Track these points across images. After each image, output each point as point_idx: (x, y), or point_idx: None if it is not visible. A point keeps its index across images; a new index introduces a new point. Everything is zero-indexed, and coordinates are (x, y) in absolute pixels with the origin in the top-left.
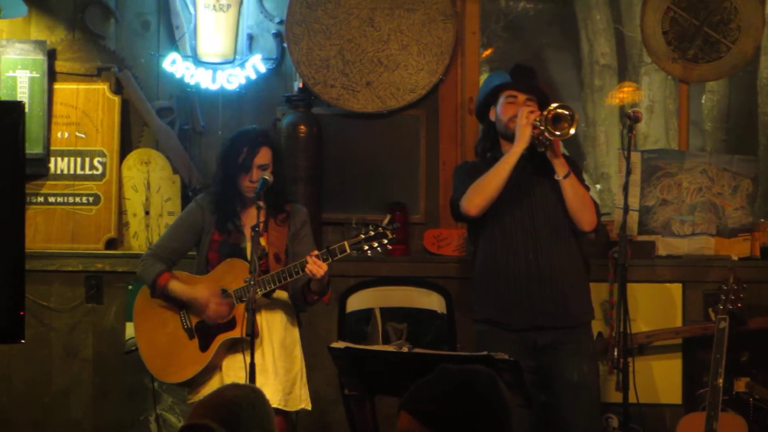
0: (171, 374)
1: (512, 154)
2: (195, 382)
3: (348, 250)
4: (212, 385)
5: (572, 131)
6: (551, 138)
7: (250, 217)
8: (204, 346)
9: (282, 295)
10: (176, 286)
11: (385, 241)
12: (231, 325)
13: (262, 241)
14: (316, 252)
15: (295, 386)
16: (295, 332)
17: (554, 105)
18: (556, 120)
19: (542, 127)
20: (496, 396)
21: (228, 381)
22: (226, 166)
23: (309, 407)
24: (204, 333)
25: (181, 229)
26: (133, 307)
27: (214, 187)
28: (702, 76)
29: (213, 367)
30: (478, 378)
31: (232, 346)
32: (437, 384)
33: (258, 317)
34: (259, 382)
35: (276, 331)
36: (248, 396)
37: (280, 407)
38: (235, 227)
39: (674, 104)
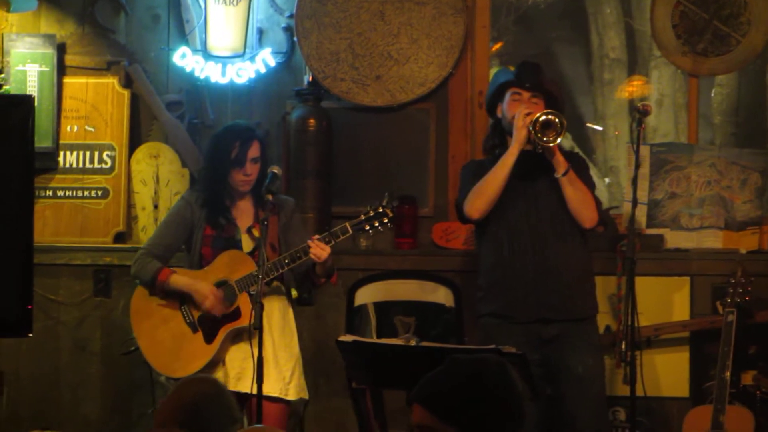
0: (178, 369)
1: (509, 155)
2: None
3: (350, 231)
4: (217, 377)
5: (559, 140)
6: (540, 143)
7: (240, 211)
8: (209, 338)
9: (277, 284)
10: (178, 279)
11: (386, 220)
12: (235, 315)
13: (256, 233)
14: (317, 236)
15: (294, 375)
16: (292, 322)
17: (543, 112)
18: (545, 126)
19: (531, 132)
20: (508, 384)
21: (232, 372)
22: (216, 161)
23: (307, 396)
24: (208, 325)
25: (172, 225)
26: (130, 310)
27: (202, 182)
28: (712, 69)
29: (218, 360)
30: (489, 367)
31: (236, 337)
32: (449, 375)
33: None
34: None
35: (275, 320)
36: (207, 392)
37: (281, 396)
38: (227, 221)
39: (684, 98)
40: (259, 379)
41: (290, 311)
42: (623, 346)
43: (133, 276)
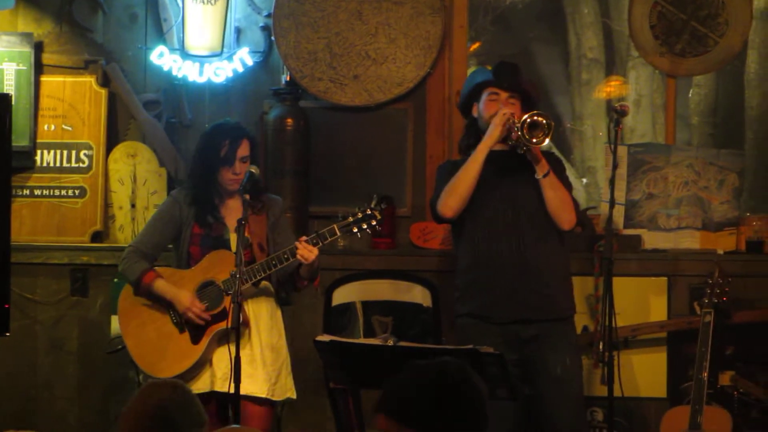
0: (163, 369)
1: (479, 152)
2: (186, 376)
3: (338, 233)
4: (203, 378)
5: (547, 141)
6: (527, 144)
7: (229, 209)
8: (195, 339)
9: (266, 284)
10: (161, 286)
11: (374, 222)
12: (222, 316)
13: (245, 232)
14: (305, 237)
15: (281, 375)
16: (280, 322)
17: (531, 113)
18: (533, 127)
19: (519, 133)
20: (469, 384)
21: (219, 373)
22: (205, 160)
23: (294, 396)
24: (195, 326)
25: (160, 223)
26: (117, 301)
27: (191, 180)
28: (689, 70)
29: (204, 361)
30: (449, 370)
31: (223, 338)
32: (410, 381)
33: (246, 307)
34: (247, 373)
35: (263, 320)
36: (172, 396)
37: (267, 397)
38: (216, 220)
39: (661, 98)
40: (236, 378)
41: (278, 312)
42: (601, 347)
43: (120, 273)
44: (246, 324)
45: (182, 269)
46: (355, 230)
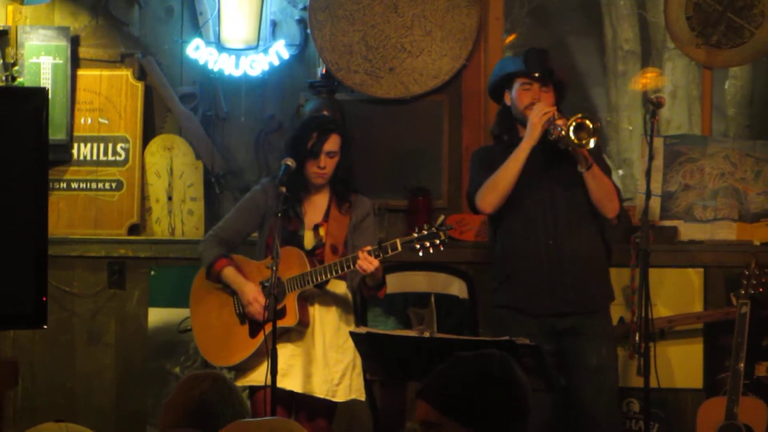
0: (221, 358)
1: (521, 151)
2: (244, 367)
3: (400, 248)
4: (261, 371)
5: (593, 143)
6: (573, 146)
7: (313, 205)
8: (254, 333)
9: (339, 286)
10: (229, 274)
11: (437, 242)
12: (281, 314)
13: (321, 231)
14: (368, 248)
15: (345, 376)
16: (351, 325)
17: (577, 116)
18: (579, 128)
19: (563, 133)
20: (513, 379)
21: (279, 368)
22: (294, 151)
23: (362, 398)
24: (254, 320)
25: (244, 211)
26: (191, 290)
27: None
28: (725, 61)
29: (262, 354)
30: (493, 362)
31: (282, 335)
32: (454, 371)
33: (311, 308)
34: (306, 372)
35: (329, 321)
36: (214, 388)
37: (327, 398)
38: (295, 214)
39: (697, 90)
40: (273, 372)
41: (351, 314)
42: (637, 338)
43: (198, 257)
44: (305, 324)
45: (258, 260)
46: (418, 247)
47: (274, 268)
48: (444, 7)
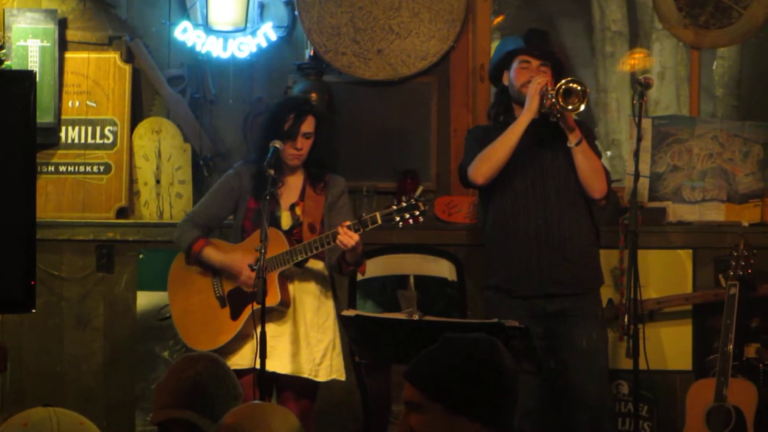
0: (202, 342)
1: (519, 124)
2: (226, 350)
3: (380, 221)
4: (243, 354)
5: (582, 107)
6: (562, 111)
7: (288, 186)
8: (235, 315)
9: (317, 265)
10: (211, 252)
11: (417, 213)
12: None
13: (298, 211)
14: (348, 222)
15: (326, 356)
16: (329, 303)
17: (566, 79)
18: (567, 94)
19: (553, 99)
20: (497, 365)
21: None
22: (269, 133)
23: (343, 378)
24: (235, 301)
25: (219, 195)
26: (168, 277)
27: (254, 154)
28: (713, 42)
29: (244, 335)
30: (478, 347)
31: (265, 315)
32: (439, 354)
33: (290, 287)
34: (289, 352)
35: (309, 301)
36: (209, 369)
37: (310, 377)
38: (270, 195)
39: (685, 70)
40: (262, 354)
41: (329, 293)
42: (626, 320)
43: (174, 242)
44: (287, 304)
45: (236, 242)
46: (398, 219)
47: (263, 251)
48: None
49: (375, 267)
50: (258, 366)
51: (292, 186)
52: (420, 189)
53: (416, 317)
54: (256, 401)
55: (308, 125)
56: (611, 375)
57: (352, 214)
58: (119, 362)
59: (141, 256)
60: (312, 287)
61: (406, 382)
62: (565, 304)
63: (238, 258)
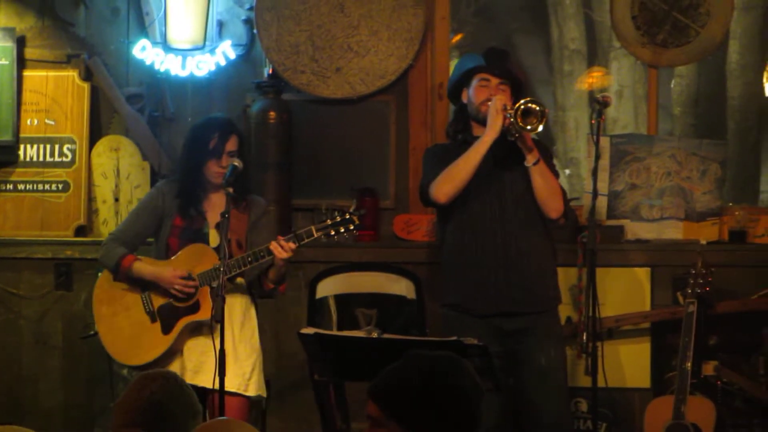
0: (132, 357)
1: (482, 143)
2: (156, 365)
3: (315, 235)
4: (173, 369)
5: (540, 127)
6: (520, 131)
7: (212, 204)
8: (166, 329)
9: (240, 281)
10: (141, 267)
11: (352, 227)
12: (194, 308)
13: None
14: (282, 237)
15: (254, 372)
16: (254, 318)
17: (525, 99)
18: (526, 114)
19: (512, 119)
20: (456, 384)
21: (189, 365)
22: (193, 152)
23: (265, 395)
24: (166, 316)
25: (143, 214)
26: (93, 295)
27: (178, 172)
28: (671, 60)
29: (174, 351)
30: (438, 366)
31: (195, 330)
32: (400, 371)
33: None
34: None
35: (236, 315)
36: (164, 388)
37: (239, 392)
38: (197, 213)
39: (643, 89)
40: (221, 372)
41: (252, 308)
42: (584, 337)
43: (99, 261)
44: (219, 319)
45: (161, 260)
46: (333, 233)
47: (222, 268)
48: (390, 6)
49: (334, 285)
50: (213, 384)
51: (216, 204)
52: (354, 202)
53: (375, 335)
54: (222, 417)
55: (232, 144)
56: (570, 393)
57: (273, 234)
58: (77, 380)
59: (99, 274)
60: (238, 302)
61: (369, 398)
62: (523, 323)
63: (169, 272)
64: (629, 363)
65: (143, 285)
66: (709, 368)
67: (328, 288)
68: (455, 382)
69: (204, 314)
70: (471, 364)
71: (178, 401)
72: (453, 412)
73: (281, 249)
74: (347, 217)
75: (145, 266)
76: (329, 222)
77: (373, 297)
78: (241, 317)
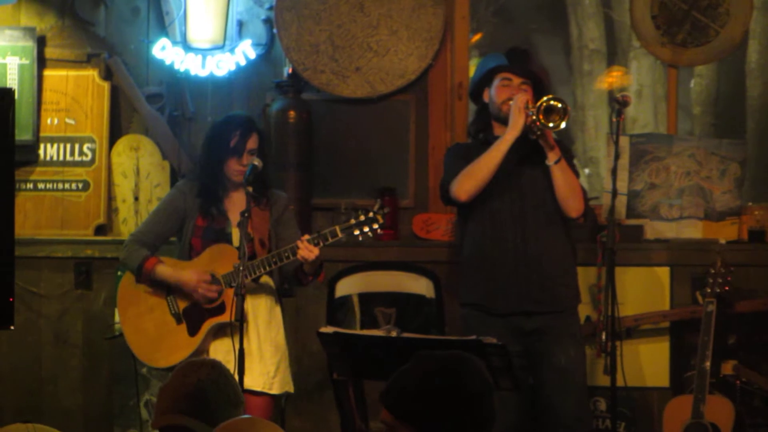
0: (159, 359)
1: (504, 142)
2: None
3: (339, 235)
4: None
5: (563, 125)
6: (542, 128)
7: (233, 202)
8: (193, 331)
9: (266, 280)
10: (164, 270)
11: (376, 226)
12: (220, 309)
13: (248, 227)
14: (307, 236)
15: (279, 370)
16: (279, 317)
17: (548, 96)
18: (548, 111)
19: (533, 117)
20: (460, 383)
21: None
22: (214, 150)
23: (292, 390)
24: (192, 318)
25: (164, 214)
26: (117, 296)
27: (198, 171)
28: (691, 60)
29: (201, 352)
30: (444, 366)
31: (219, 331)
32: (409, 374)
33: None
34: (245, 366)
35: (261, 315)
36: (210, 376)
37: (265, 391)
38: (219, 212)
39: (663, 88)
40: (241, 371)
41: (278, 307)
42: (603, 337)
43: (121, 262)
44: (244, 320)
45: (184, 261)
46: (357, 233)
47: (242, 268)
48: (410, 6)
49: (353, 284)
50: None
51: (238, 202)
52: (378, 202)
53: (394, 334)
54: (246, 416)
55: (253, 142)
56: (589, 392)
57: (297, 227)
58: (97, 379)
59: (119, 273)
60: (263, 302)
61: (382, 405)
62: (543, 322)
63: (192, 276)
64: (648, 362)
65: (168, 287)
66: (728, 367)
67: (347, 287)
68: (463, 381)
69: (228, 315)
70: (483, 362)
71: (221, 390)
72: (463, 411)
73: (307, 250)
74: (371, 215)
75: (167, 270)
76: (353, 222)
77: (392, 296)
78: (266, 317)
